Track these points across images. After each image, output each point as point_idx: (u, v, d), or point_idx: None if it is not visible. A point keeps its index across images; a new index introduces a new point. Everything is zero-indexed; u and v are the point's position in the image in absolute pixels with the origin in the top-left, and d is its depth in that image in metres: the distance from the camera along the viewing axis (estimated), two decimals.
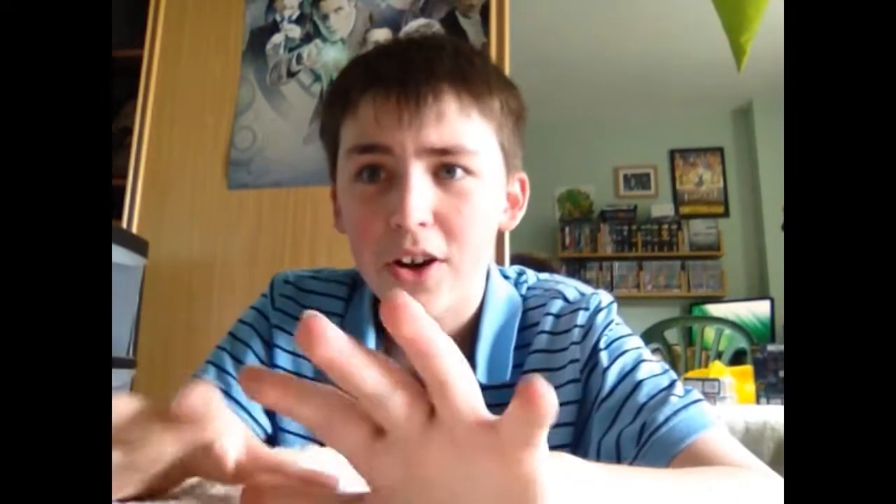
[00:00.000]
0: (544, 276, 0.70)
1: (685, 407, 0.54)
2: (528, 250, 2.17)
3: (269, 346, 0.68)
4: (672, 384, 0.57)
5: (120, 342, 1.65)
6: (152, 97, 2.00)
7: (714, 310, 4.12)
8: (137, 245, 1.75)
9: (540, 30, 3.55)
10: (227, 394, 0.63)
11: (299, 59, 1.95)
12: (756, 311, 4.03)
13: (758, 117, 4.48)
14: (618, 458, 0.54)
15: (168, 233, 1.91)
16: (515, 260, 1.81)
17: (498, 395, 0.63)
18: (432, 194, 0.55)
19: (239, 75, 1.97)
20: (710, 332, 2.68)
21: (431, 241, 0.55)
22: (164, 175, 1.96)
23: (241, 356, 0.67)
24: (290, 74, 1.95)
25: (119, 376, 1.60)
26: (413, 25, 1.89)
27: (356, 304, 0.68)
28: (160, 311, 1.84)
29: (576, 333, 0.61)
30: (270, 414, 0.66)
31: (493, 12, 1.82)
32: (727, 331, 2.55)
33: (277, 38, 1.98)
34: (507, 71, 1.78)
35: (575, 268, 4.55)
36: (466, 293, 0.62)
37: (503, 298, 0.65)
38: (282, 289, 0.70)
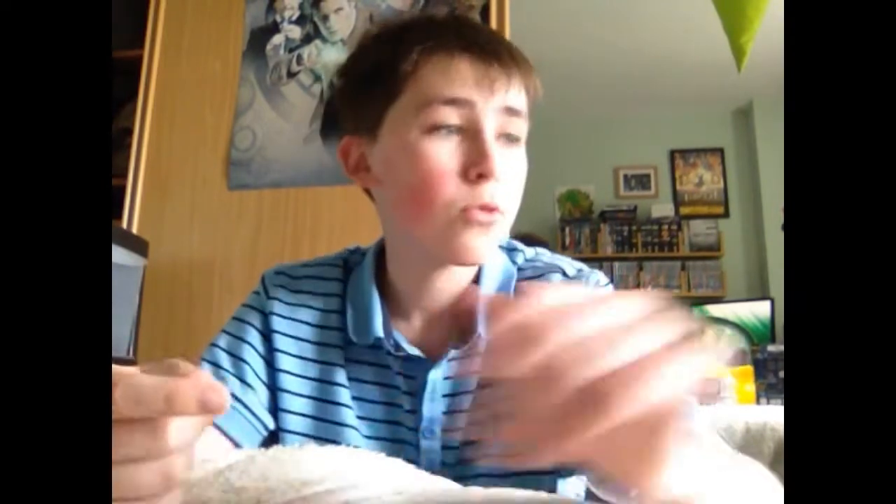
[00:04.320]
0: (541, 250, 0.73)
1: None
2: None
3: (268, 337, 0.68)
4: None
5: (120, 342, 1.65)
6: (152, 97, 2.00)
7: (714, 310, 4.11)
8: (137, 245, 1.75)
9: (540, 30, 3.55)
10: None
11: (299, 59, 1.95)
12: (756, 311, 4.02)
13: (758, 118, 4.48)
14: None
15: (168, 233, 1.91)
16: (517, 238, 1.81)
17: None
18: (500, 153, 0.59)
19: (239, 75, 1.97)
20: (710, 333, 2.67)
21: (499, 195, 0.59)
22: (165, 175, 1.96)
23: (239, 353, 0.67)
24: (291, 75, 1.95)
25: None
26: None
27: (356, 281, 0.69)
28: (160, 311, 1.84)
29: None
30: (272, 412, 0.66)
31: (493, 12, 1.82)
32: (728, 331, 2.55)
33: (277, 39, 1.98)
34: None
35: None
36: None
37: (499, 265, 0.69)
38: (274, 279, 0.71)
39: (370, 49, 0.64)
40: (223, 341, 0.68)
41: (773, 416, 1.18)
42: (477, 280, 0.66)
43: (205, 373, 0.32)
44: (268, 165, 1.89)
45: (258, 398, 0.65)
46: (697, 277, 4.53)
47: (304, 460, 0.41)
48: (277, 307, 0.68)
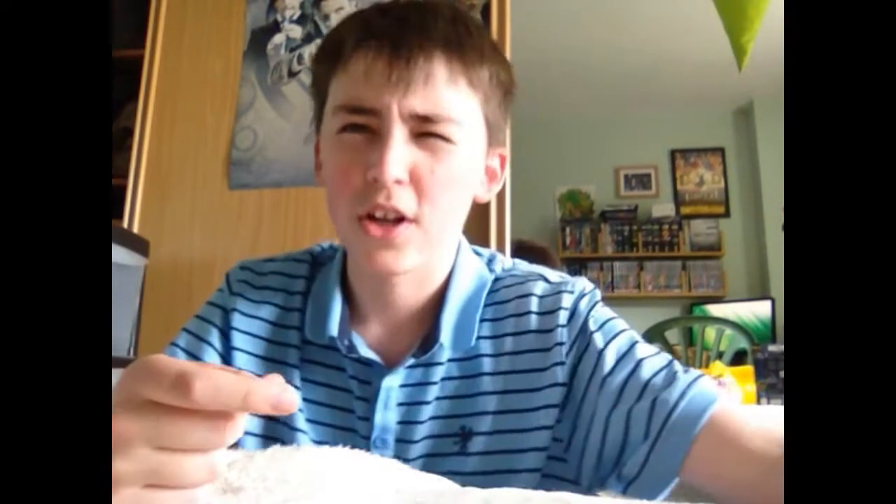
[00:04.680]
0: (522, 263, 0.71)
1: (692, 383, 0.56)
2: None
3: (226, 334, 0.66)
4: (671, 362, 0.59)
5: (120, 342, 1.65)
6: (153, 97, 2.00)
7: (715, 310, 4.12)
8: (138, 245, 1.75)
9: (540, 30, 3.54)
10: None
11: (300, 59, 1.95)
12: (757, 311, 4.02)
13: (759, 117, 4.48)
14: (626, 434, 0.56)
15: (169, 233, 1.91)
16: (515, 245, 1.81)
17: (462, 366, 0.62)
18: (410, 154, 0.55)
19: (240, 75, 1.97)
20: (710, 333, 2.67)
21: (403, 199, 0.55)
22: (165, 175, 1.96)
23: (198, 353, 0.65)
24: (291, 74, 1.95)
25: (119, 376, 1.60)
26: None
27: (322, 279, 0.67)
28: (160, 311, 1.84)
29: (561, 316, 0.61)
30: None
31: (493, 12, 1.82)
32: (728, 331, 2.55)
33: (278, 38, 1.98)
34: None
35: (576, 268, 4.54)
36: (436, 258, 0.62)
37: (472, 271, 0.66)
38: (238, 275, 0.69)
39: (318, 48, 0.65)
40: (183, 340, 0.66)
41: (773, 416, 1.18)
42: (448, 281, 0.64)
43: (276, 375, 0.33)
44: (268, 165, 1.89)
45: None
46: (698, 277, 4.52)
47: (302, 460, 0.41)
48: (240, 303, 0.66)
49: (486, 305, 0.64)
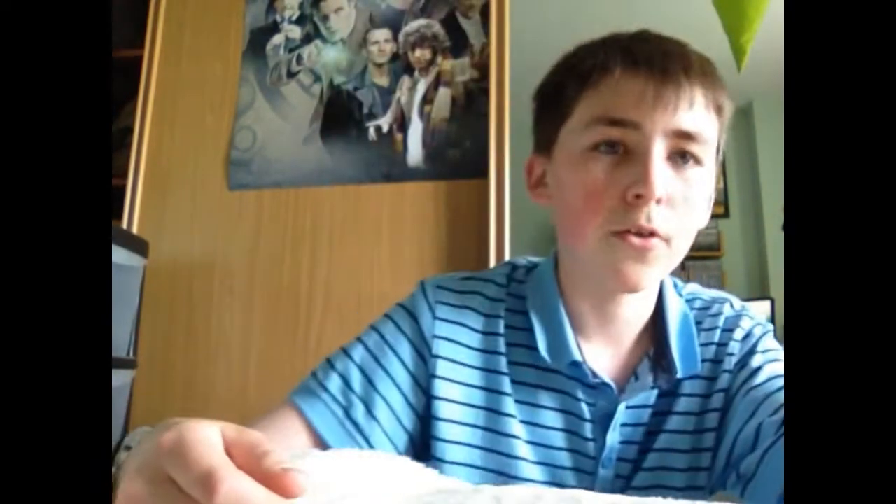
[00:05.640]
0: (691, 284, 0.73)
1: None
2: (528, 252, 2.17)
3: (424, 358, 0.64)
4: None
5: (120, 342, 1.65)
6: (152, 97, 2.00)
7: None
8: (137, 245, 1.74)
9: (540, 30, 3.54)
10: (347, 414, 0.61)
11: (299, 59, 1.95)
12: (756, 311, 4.02)
13: (758, 117, 4.48)
14: (754, 446, 0.56)
15: (168, 233, 1.91)
16: None
17: (691, 385, 0.64)
18: (667, 174, 0.57)
19: (239, 76, 1.97)
20: None
21: (661, 219, 0.56)
22: (165, 175, 1.96)
23: (373, 378, 0.62)
24: (291, 75, 1.95)
25: (119, 377, 1.60)
26: (413, 26, 1.89)
27: (539, 298, 0.66)
28: (160, 312, 1.84)
29: (738, 333, 0.66)
30: (418, 443, 0.63)
31: (493, 12, 1.82)
32: None
33: (278, 39, 1.98)
34: (507, 71, 1.78)
35: None
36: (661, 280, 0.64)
37: (675, 296, 0.68)
38: (437, 295, 0.66)
39: (553, 70, 0.65)
40: (358, 355, 0.64)
41: None
42: (660, 305, 0.66)
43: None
44: (268, 165, 1.89)
45: (382, 431, 0.61)
46: (697, 277, 4.52)
47: (310, 462, 0.41)
48: (440, 329, 0.64)
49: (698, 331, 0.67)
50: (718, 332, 0.66)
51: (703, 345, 0.65)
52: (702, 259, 4.55)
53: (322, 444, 0.59)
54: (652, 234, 0.56)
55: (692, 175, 0.58)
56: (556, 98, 0.63)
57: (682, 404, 0.63)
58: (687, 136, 0.57)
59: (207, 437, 0.32)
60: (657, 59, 0.58)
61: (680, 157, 0.58)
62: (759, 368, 0.62)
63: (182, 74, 2.01)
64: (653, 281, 0.59)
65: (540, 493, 0.37)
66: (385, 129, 1.85)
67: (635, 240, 0.56)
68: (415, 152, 1.81)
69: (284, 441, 0.58)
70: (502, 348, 0.64)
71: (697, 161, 0.58)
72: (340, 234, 1.81)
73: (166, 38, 2.04)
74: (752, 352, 0.64)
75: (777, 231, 4.24)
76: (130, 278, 1.70)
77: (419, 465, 0.46)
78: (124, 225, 1.90)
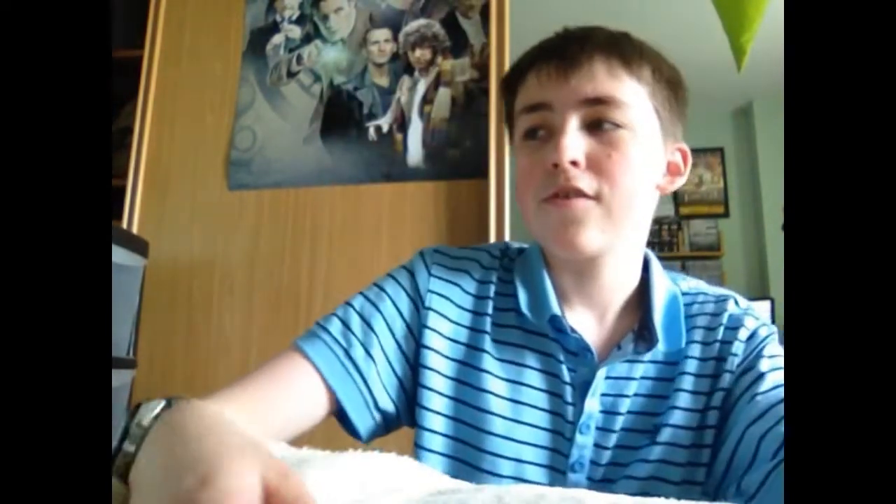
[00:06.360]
0: (697, 280, 0.76)
1: None
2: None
3: (418, 308, 0.68)
4: None
5: (120, 342, 1.65)
6: (152, 97, 2.00)
7: None
8: (137, 245, 1.74)
9: (540, 30, 3.54)
10: (347, 353, 0.64)
11: (299, 59, 1.95)
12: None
13: (758, 117, 4.48)
14: (756, 453, 0.57)
15: (168, 233, 1.91)
16: None
17: (662, 368, 0.65)
18: (585, 141, 0.61)
19: (239, 75, 1.97)
20: None
21: (582, 180, 0.60)
22: (165, 175, 1.96)
23: (370, 320, 0.66)
24: (291, 75, 1.95)
25: (119, 376, 1.60)
26: (413, 26, 1.89)
27: (524, 266, 0.70)
28: (160, 311, 1.84)
29: (742, 333, 0.67)
30: (405, 390, 0.66)
31: (493, 12, 1.82)
32: None
33: (277, 39, 1.98)
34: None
35: None
36: (627, 246, 0.66)
37: (664, 280, 0.70)
38: (434, 257, 0.72)
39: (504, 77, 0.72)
40: (358, 303, 0.68)
41: None
42: (645, 287, 0.68)
43: None
44: (268, 165, 1.89)
45: (377, 372, 0.65)
46: (697, 277, 4.50)
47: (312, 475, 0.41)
48: (434, 284, 0.69)
49: (686, 316, 0.68)
50: (722, 329, 0.67)
51: (706, 342, 0.67)
52: (702, 259, 4.55)
53: (324, 383, 0.62)
54: (578, 194, 0.60)
55: (613, 137, 0.61)
56: (507, 106, 0.70)
57: (682, 401, 0.64)
58: (596, 101, 0.61)
59: (247, 489, 0.31)
60: (559, 46, 0.65)
61: (597, 124, 0.61)
62: (764, 374, 0.62)
63: (182, 74, 2.01)
64: (593, 241, 0.61)
65: (543, 492, 0.37)
66: (385, 129, 1.85)
67: (560, 202, 0.61)
68: (415, 152, 1.81)
69: (290, 382, 0.61)
70: (489, 310, 0.68)
71: (617, 124, 0.61)
72: (340, 234, 1.81)
73: (166, 38, 2.04)
74: (757, 355, 0.65)
75: (777, 231, 4.24)
76: (130, 278, 1.70)
77: (420, 466, 0.46)
78: (124, 225, 1.90)
